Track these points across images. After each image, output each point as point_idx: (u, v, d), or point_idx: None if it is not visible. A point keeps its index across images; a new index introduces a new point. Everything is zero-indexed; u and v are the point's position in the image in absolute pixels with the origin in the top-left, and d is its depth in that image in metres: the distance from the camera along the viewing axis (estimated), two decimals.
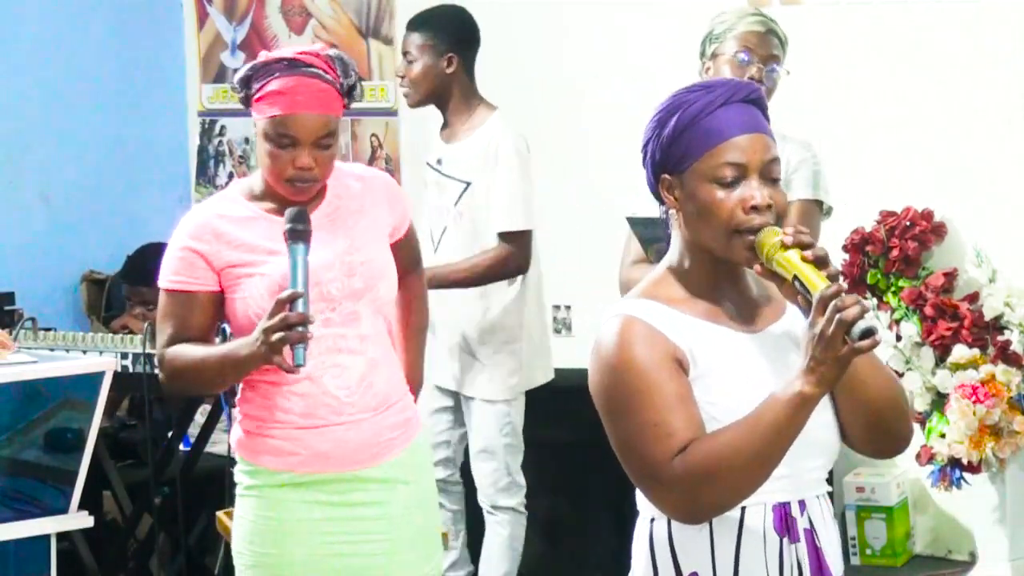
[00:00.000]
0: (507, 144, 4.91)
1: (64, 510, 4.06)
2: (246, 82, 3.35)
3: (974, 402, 4.60)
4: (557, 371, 4.97)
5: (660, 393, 2.34)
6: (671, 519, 2.40)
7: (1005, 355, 4.67)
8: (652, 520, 2.45)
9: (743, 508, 2.38)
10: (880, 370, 2.43)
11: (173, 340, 3.34)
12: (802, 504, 2.43)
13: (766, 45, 4.09)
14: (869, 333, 2.24)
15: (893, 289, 4.85)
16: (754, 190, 2.38)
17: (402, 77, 5.06)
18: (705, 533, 2.40)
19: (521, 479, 4.87)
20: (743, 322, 2.44)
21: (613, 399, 2.39)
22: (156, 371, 3.48)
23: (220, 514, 4.04)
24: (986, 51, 4.85)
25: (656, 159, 2.45)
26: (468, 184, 4.92)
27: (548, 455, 5.02)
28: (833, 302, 2.25)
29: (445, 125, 5.05)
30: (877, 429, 2.44)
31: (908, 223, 4.86)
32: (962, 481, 4.70)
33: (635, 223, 3.94)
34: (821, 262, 2.32)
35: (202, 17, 6.79)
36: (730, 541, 2.39)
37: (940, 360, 4.72)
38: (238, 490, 3.41)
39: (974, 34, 4.87)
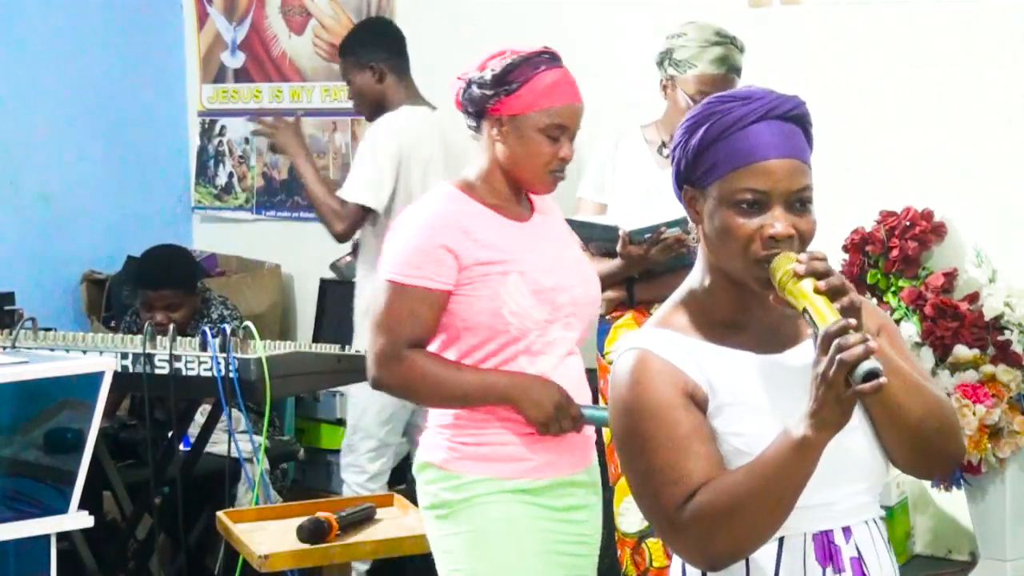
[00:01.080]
0: (375, 128, 5.39)
1: (64, 510, 4.06)
2: (502, 78, 3.37)
3: (974, 402, 4.59)
4: None
5: (670, 435, 2.25)
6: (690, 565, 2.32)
7: (1005, 355, 4.67)
8: (684, 563, 2.36)
9: (781, 539, 2.29)
10: (918, 392, 2.31)
11: (414, 341, 3.31)
12: (847, 531, 2.33)
13: (723, 85, 4.15)
14: (873, 375, 2.11)
15: (893, 289, 4.85)
16: (775, 219, 2.26)
17: (352, 101, 5.57)
18: (741, 566, 2.30)
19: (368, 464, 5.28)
20: (767, 344, 2.33)
21: (626, 441, 2.31)
22: (371, 367, 3.44)
23: (220, 514, 4.04)
24: (986, 51, 4.85)
25: (680, 168, 2.36)
26: None
27: None
28: (836, 341, 2.12)
29: (369, 118, 5.50)
30: (922, 452, 2.34)
31: (908, 223, 4.86)
32: (962, 481, 4.70)
33: (572, 224, 3.99)
34: (836, 292, 2.20)
35: (202, 17, 6.80)
36: (768, 573, 2.30)
37: (940, 360, 4.72)
38: (440, 508, 3.35)
39: (974, 34, 4.87)
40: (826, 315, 2.17)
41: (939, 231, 4.91)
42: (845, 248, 4.89)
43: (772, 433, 2.21)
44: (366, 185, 5.30)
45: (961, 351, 4.67)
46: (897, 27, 5.03)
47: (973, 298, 4.76)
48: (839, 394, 2.13)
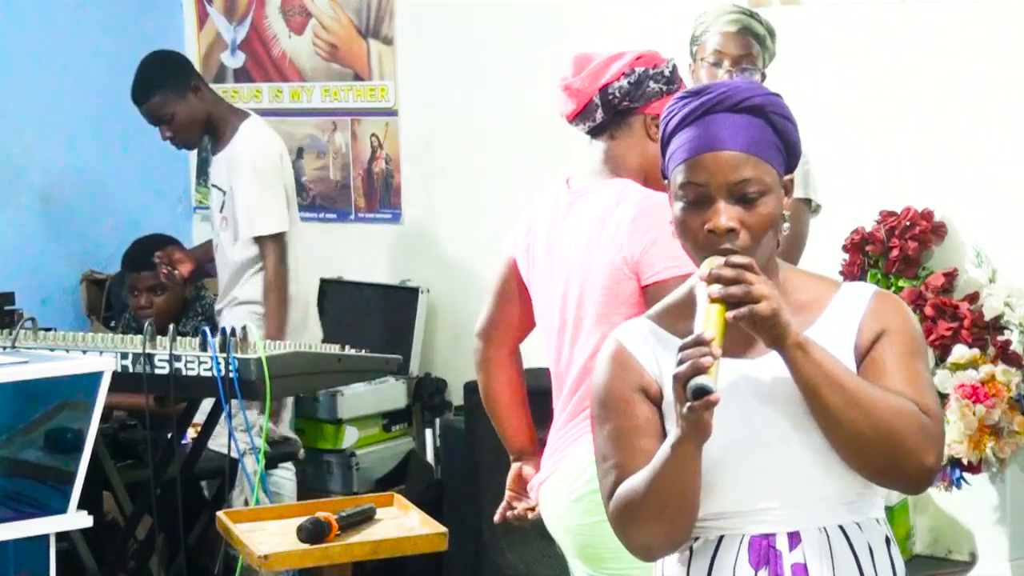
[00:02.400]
0: (246, 155, 5.37)
1: (63, 510, 4.05)
2: (673, 78, 3.43)
3: (974, 402, 4.59)
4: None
5: (616, 427, 2.32)
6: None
7: (1005, 355, 4.67)
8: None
9: (720, 536, 2.32)
10: (858, 404, 2.23)
11: None
12: (794, 536, 2.30)
13: (737, 45, 4.08)
14: (701, 392, 2.11)
15: (893, 289, 4.85)
16: (715, 213, 2.25)
17: (171, 138, 5.49)
18: (685, 558, 2.35)
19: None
20: (741, 347, 2.30)
21: (592, 426, 2.41)
22: None
23: (220, 514, 4.04)
24: (986, 51, 4.85)
25: (661, 163, 2.39)
26: (224, 192, 5.42)
27: None
28: (680, 354, 2.15)
29: (215, 140, 5.49)
30: (865, 464, 2.27)
31: (908, 223, 4.86)
32: (962, 481, 4.70)
33: None
34: (734, 302, 2.18)
35: (202, 17, 6.80)
36: (702, 570, 2.33)
37: (940, 360, 4.72)
38: None
39: (974, 34, 4.86)
40: (697, 326, 2.18)
41: (939, 231, 4.91)
42: (845, 248, 4.89)
43: (717, 436, 2.20)
44: (271, 214, 5.36)
45: (961, 351, 4.67)
46: (897, 27, 5.03)
47: (973, 298, 4.76)
48: (681, 408, 2.16)
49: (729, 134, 2.28)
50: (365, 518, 3.94)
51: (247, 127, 5.45)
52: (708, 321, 2.18)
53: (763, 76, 4.17)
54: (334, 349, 4.74)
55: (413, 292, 6.13)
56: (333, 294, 6.37)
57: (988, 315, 4.72)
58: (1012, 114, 4.81)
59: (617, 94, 3.37)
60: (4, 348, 4.53)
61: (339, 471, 5.96)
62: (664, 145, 2.34)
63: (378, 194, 6.40)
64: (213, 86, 6.77)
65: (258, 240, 5.38)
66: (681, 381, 2.14)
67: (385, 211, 6.40)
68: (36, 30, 6.34)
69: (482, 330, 3.61)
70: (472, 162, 6.09)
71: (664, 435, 2.30)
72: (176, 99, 5.42)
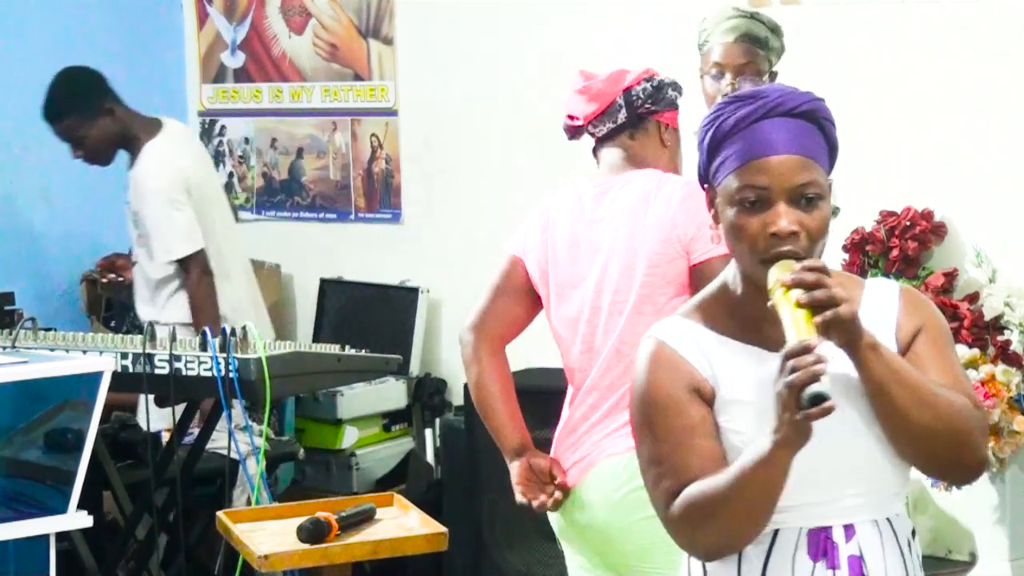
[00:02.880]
0: (150, 178, 5.36)
1: (63, 510, 4.05)
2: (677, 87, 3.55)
3: None
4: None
5: (672, 428, 2.31)
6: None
7: (1005, 355, 4.67)
8: (689, 561, 2.44)
9: (775, 531, 2.32)
10: (923, 403, 2.28)
11: None
12: (849, 529, 2.34)
13: (737, 54, 4.08)
14: (818, 399, 2.13)
15: None
16: (778, 216, 2.27)
17: (81, 156, 5.44)
18: (735, 556, 2.35)
19: None
20: (783, 344, 2.28)
21: (636, 426, 2.38)
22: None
23: (220, 514, 4.03)
24: (986, 51, 4.85)
25: (699, 168, 2.39)
26: (136, 211, 5.44)
27: None
28: (790, 362, 2.15)
29: (131, 157, 5.47)
30: (933, 460, 2.35)
31: (908, 223, 4.86)
32: None
33: None
34: (820, 305, 2.19)
35: (202, 17, 6.79)
36: (757, 565, 2.34)
37: None
38: None
39: (974, 34, 4.87)
40: (791, 333, 2.18)
41: (939, 231, 4.91)
42: (845, 248, 4.89)
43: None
44: (183, 236, 5.33)
45: (961, 351, 4.67)
46: (897, 27, 5.03)
47: (973, 298, 4.76)
48: (792, 415, 2.16)
49: (789, 138, 2.30)
50: (365, 518, 3.94)
51: (149, 148, 5.41)
52: (799, 327, 2.19)
53: (773, 75, 4.16)
54: (334, 349, 4.73)
55: (413, 292, 6.13)
56: (333, 294, 6.38)
57: (988, 315, 4.72)
58: (1012, 114, 4.81)
59: (641, 96, 3.48)
60: (4, 348, 4.53)
61: (339, 471, 5.96)
62: (712, 151, 2.34)
63: (378, 194, 6.40)
64: (213, 86, 6.80)
65: (176, 262, 5.36)
66: (797, 389, 2.13)
67: (385, 211, 6.40)
68: (36, 30, 6.34)
69: (475, 324, 3.65)
70: (472, 162, 6.09)
71: (718, 433, 2.32)
72: (87, 122, 5.38)
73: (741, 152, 2.29)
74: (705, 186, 2.38)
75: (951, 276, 4.83)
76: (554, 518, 3.53)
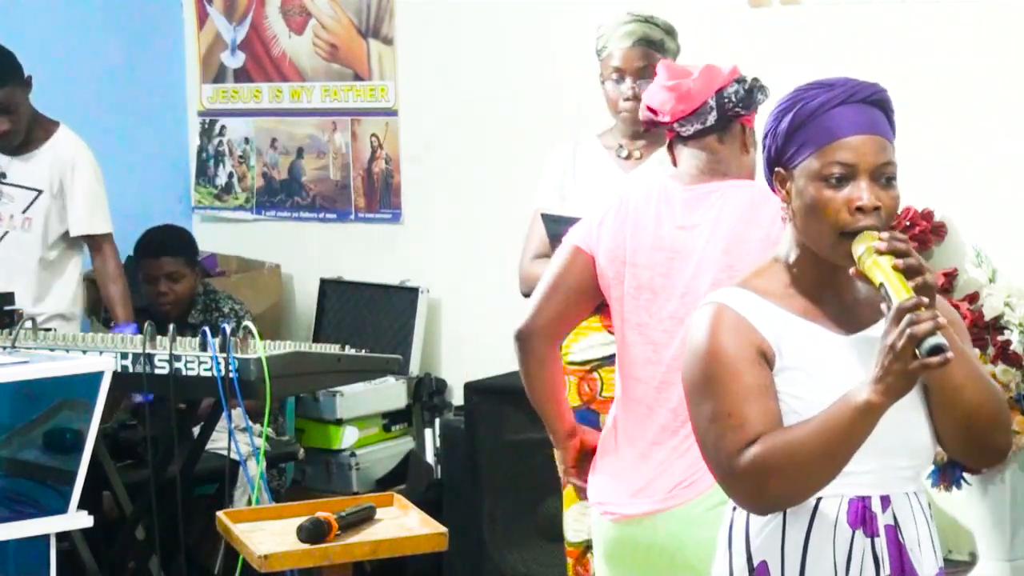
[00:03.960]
0: (81, 153, 5.44)
1: (63, 510, 4.05)
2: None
3: None
4: None
5: (738, 383, 2.38)
6: (741, 508, 2.45)
7: (1005, 355, 4.67)
8: (734, 509, 2.51)
9: (818, 499, 2.41)
10: (978, 379, 2.42)
11: None
12: (885, 500, 2.45)
13: (635, 57, 4.12)
14: (939, 350, 2.24)
15: None
16: (862, 191, 2.41)
17: (5, 132, 5.35)
18: (778, 522, 2.44)
19: None
20: (841, 323, 2.46)
21: (695, 385, 2.44)
22: None
23: (220, 514, 4.04)
24: (986, 51, 4.85)
25: (771, 153, 2.50)
26: (39, 192, 5.38)
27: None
28: (908, 315, 2.26)
29: (18, 143, 5.41)
30: (970, 438, 2.45)
31: (908, 223, 4.86)
32: (962, 481, 4.70)
33: (547, 219, 4.01)
34: (913, 271, 2.32)
35: (202, 17, 6.79)
36: (800, 531, 2.43)
37: None
38: None
39: (974, 34, 4.87)
40: (900, 291, 2.29)
41: (939, 231, 4.91)
42: None
43: (828, 402, 2.33)
44: (106, 214, 5.48)
45: None
46: (897, 27, 5.03)
47: (973, 298, 4.76)
48: (906, 364, 2.26)
49: (869, 121, 2.51)
50: (365, 518, 3.94)
51: (67, 131, 5.49)
52: (901, 286, 2.30)
53: None
54: (334, 349, 4.73)
55: (413, 292, 6.13)
56: (333, 294, 6.38)
57: (988, 315, 4.72)
58: (1012, 114, 4.81)
59: (733, 98, 3.41)
60: (4, 348, 4.53)
61: (339, 471, 5.96)
62: (790, 134, 2.47)
63: (378, 194, 6.40)
64: (213, 86, 6.81)
65: (93, 238, 5.44)
66: (918, 339, 2.24)
67: (385, 211, 6.40)
68: (36, 30, 6.34)
69: (536, 326, 3.45)
70: (472, 162, 6.09)
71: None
72: (21, 93, 5.38)
73: (826, 132, 2.45)
74: (777, 169, 2.48)
75: (951, 276, 4.83)
76: (605, 548, 3.36)
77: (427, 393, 6.11)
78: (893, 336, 2.26)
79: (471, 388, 5.30)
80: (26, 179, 5.43)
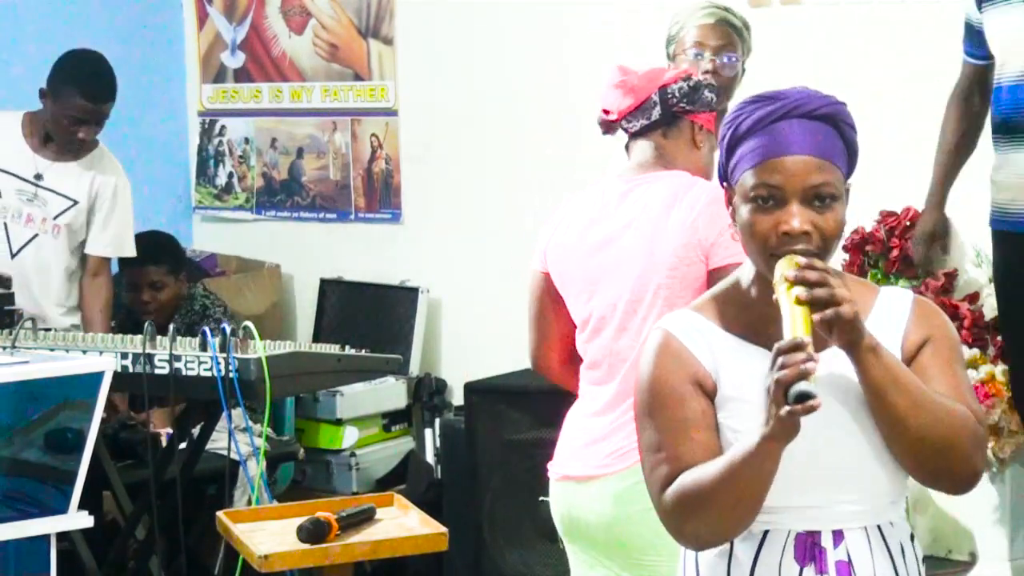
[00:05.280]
0: (123, 178, 5.45)
1: (64, 510, 4.05)
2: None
3: None
4: None
5: (671, 417, 2.34)
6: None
7: (1005, 355, 4.67)
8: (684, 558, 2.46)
9: (765, 532, 2.35)
10: (925, 409, 2.29)
11: None
12: (838, 535, 2.35)
13: (717, 35, 4.12)
14: (804, 398, 2.14)
15: None
16: (791, 215, 2.30)
17: (84, 139, 5.34)
18: (725, 552, 2.38)
19: None
20: None
21: (637, 414, 2.41)
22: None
23: (220, 514, 4.04)
24: None
25: (719, 166, 2.42)
26: (75, 202, 5.35)
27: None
28: (780, 359, 2.17)
29: (48, 143, 5.38)
30: (924, 467, 2.34)
31: (908, 223, 4.86)
32: None
33: None
34: (820, 304, 2.22)
35: (202, 17, 6.80)
36: (745, 564, 2.36)
37: None
38: None
39: None
40: (788, 329, 2.20)
41: None
42: (845, 248, 4.89)
43: None
44: (131, 237, 5.49)
45: None
46: (897, 27, 5.03)
47: (973, 298, 4.76)
48: (777, 411, 2.18)
49: (805, 139, 2.32)
50: (365, 518, 3.94)
51: (106, 150, 5.49)
52: (796, 324, 2.20)
53: (743, 70, 4.18)
54: (334, 349, 4.73)
55: (413, 292, 6.13)
56: (333, 294, 6.38)
57: (988, 315, 4.72)
58: None
59: (676, 94, 3.47)
60: (4, 348, 4.53)
61: (339, 471, 5.96)
62: (730, 149, 2.37)
63: (378, 194, 6.40)
64: (213, 86, 6.80)
65: (99, 260, 5.41)
66: (784, 386, 2.16)
67: (385, 211, 6.40)
68: (35, 30, 6.34)
69: (535, 359, 3.63)
70: (472, 162, 6.09)
71: (717, 428, 2.34)
72: (109, 109, 5.40)
73: (757, 151, 2.32)
74: (724, 184, 2.41)
75: (951, 276, 4.83)
76: (558, 517, 3.52)
77: (427, 393, 6.11)
78: (768, 380, 2.18)
79: (471, 388, 5.30)
80: (63, 187, 5.37)
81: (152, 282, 5.59)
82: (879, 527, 2.38)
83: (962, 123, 4.62)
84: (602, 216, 3.46)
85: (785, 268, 2.25)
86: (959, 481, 2.38)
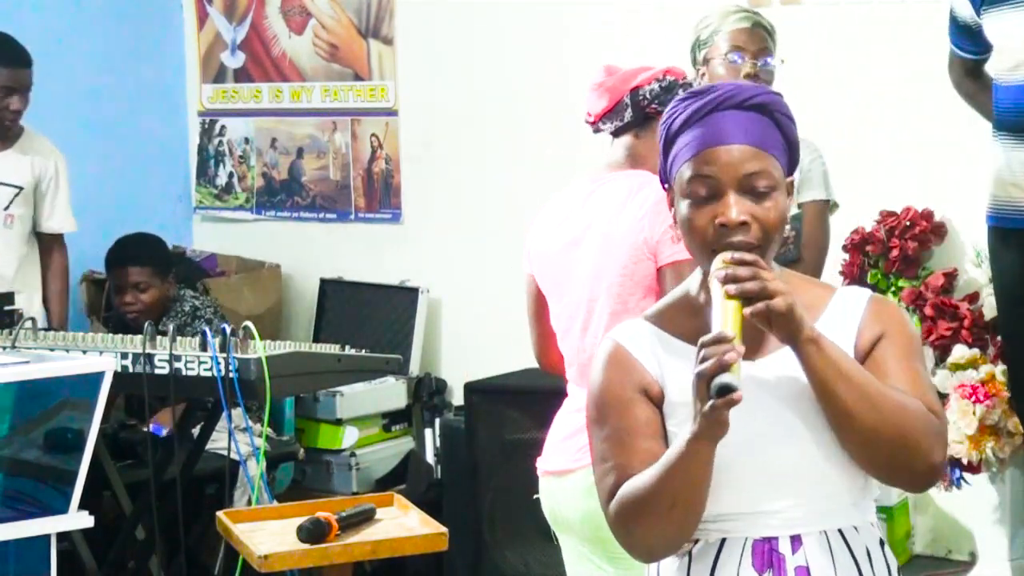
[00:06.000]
0: (59, 155, 5.57)
1: (64, 510, 4.05)
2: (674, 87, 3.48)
3: (974, 402, 4.59)
4: None
5: (615, 425, 2.30)
6: None
7: (1003, 354, 4.67)
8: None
9: (722, 540, 2.30)
10: (876, 403, 2.22)
11: None
12: (796, 540, 2.30)
13: (755, 40, 4.11)
14: (725, 390, 2.09)
15: (893, 289, 4.85)
16: (727, 206, 2.24)
17: (16, 111, 5.45)
18: (684, 563, 2.34)
19: None
20: (748, 349, 2.23)
21: (588, 424, 2.38)
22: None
23: (220, 514, 4.04)
24: None
25: (660, 170, 2.38)
26: (20, 189, 5.47)
27: None
28: (703, 351, 2.13)
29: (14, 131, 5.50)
30: (883, 465, 2.27)
31: (908, 223, 4.86)
32: (962, 481, 4.70)
33: None
34: (751, 297, 2.17)
35: (202, 17, 6.79)
36: (704, 573, 2.32)
37: (940, 360, 4.72)
38: None
39: None
40: (718, 324, 2.16)
41: (939, 231, 4.91)
42: (845, 248, 4.89)
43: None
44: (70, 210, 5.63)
45: (961, 351, 4.68)
46: (897, 27, 5.03)
47: (973, 298, 4.76)
48: (702, 403, 2.13)
49: (738, 129, 2.27)
50: (365, 518, 3.94)
51: (35, 132, 5.55)
52: (727, 318, 2.16)
53: (781, 63, 4.18)
54: (334, 349, 4.74)
55: (413, 292, 6.13)
56: (333, 294, 6.38)
57: (988, 315, 4.72)
58: None
59: (647, 96, 3.48)
60: (4, 348, 4.53)
61: (339, 471, 5.96)
62: (667, 146, 2.33)
63: (378, 194, 6.40)
64: (213, 86, 6.80)
65: (54, 236, 5.59)
66: (705, 379, 2.11)
67: (385, 211, 6.40)
68: (35, 30, 6.33)
69: (539, 357, 3.70)
70: (472, 162, 6.09)
71: (665, 436, 2.31)
72: (30, 76, 5.46)
73: (692, 144, 2.28)
74: (666, 186, 2.37)
75: (951, 276, 4.83)
76: (546, 511, 3.54)
77: (427, 393, 6.11)
78: (692, 375, 2.14)
79: (471, 388, 5.30)
80: (5, 175, 5.46)
81: (135, 283, 5.59)
82: (840, 531, 2.33)
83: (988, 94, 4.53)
84: (570, 217, 3.51)
85: (718, 265, 2.21)
86: (917, 476, 2.30)
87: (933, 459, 2.28)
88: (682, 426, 2.24)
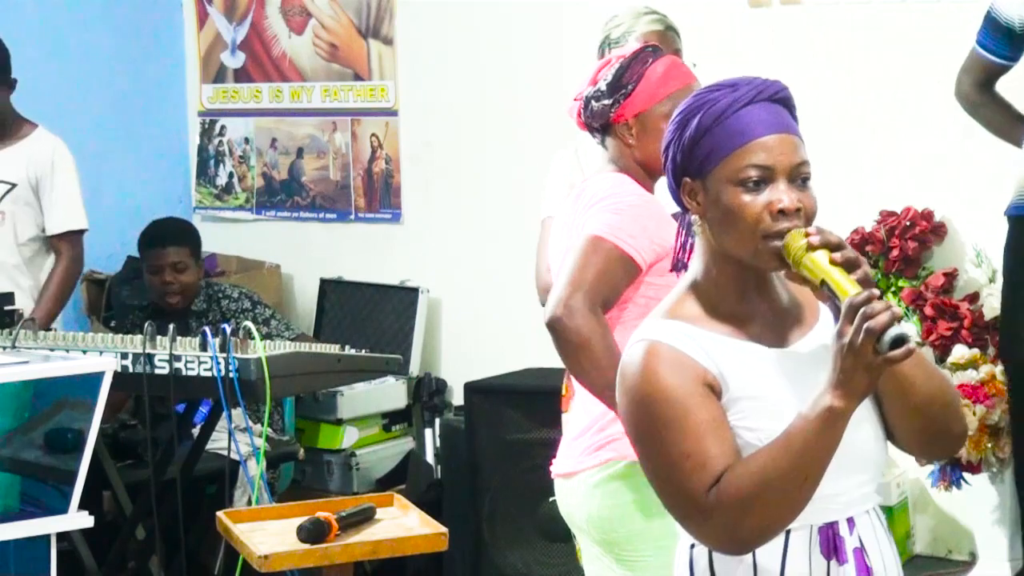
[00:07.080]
0: (60, 147, 5.46)
1: (64, 510, 4.05)
2: (616, 83, 3.41)
3: (974, 402, 4.60)
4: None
5: (692, 422, 2.23)
6: (714, 551, 2.31)
7: (1002, 348, 4.67)
8: (692, 547, 2.35)
9: (788, 532, 2.28)
10: (927, 369, 2.31)
11: (605, 302, 3.37)
12: (851, 522, 2.33)
13: (667, 43, 4.09)
14: (901, 341, 2.11)
15: (893, 289, 4.85)
16: (782, 193, 2.26)
17: None
18: (749, 561, 2.30)
19: None
20: (773, 338, 2.32)
21: (643, 432, 2.29)
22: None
23: (220, 514, 4.04)
24: None
25: (677, 162, 2.34)
26: (13, 185, 5.38)
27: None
28: (862, 310, 2.12)
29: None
30: (930, 431, 2.33)
31: (908, 223, 4.86)
32: (962, 481, 4.70)
33: None
34: (850, 264, 2.20)
35: (202, 17, 6.80)
36: (774, 567, 2.30)
37: (940, 360, 4.72)
38: None
39: (974, 34, 4.87)
40: (846, 286, 2.17)
41: (939, 231, 4.91)
42: None
43: (782, 427, 2.21)
44: (83, 211, 5.50)
45: (961, 351, 4.68)
46: (897, 27, 5.03)
47: (973, 298, 4.77)
48: (868, 362, 2.13)
49: (780, 120, 2.31)
50: (365, 518, 3.94)
51: (45, 132, 5.49)
52: (845, 282, 2.18)
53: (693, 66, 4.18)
54: (334, 349, 4.74)
55: (413, 292, 6.13)
56: (333, 294, 6.38)
57: (988, 315, 4.73)
58: None
59: (593, 110, 3.45)
60: (4, 348, 4.53)
61: (339, 471, 5.96)
62: (698, 139, 2.32)
63: (378, 194, 6.40)
64: (213, 86, 6.80)
65: (64, 235, 5.44)
66: (876, 333, 2.11)
67: (385, 211, 6.40)
68: (35, 30, 6.34)
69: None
70: (472, 162, 6.09)
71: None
72: (5, 92, 5.42)
73: (738, 134, 2.29)
74: (684, 180, 2.35)
75: (951, 276, 4.83)
76: (563, 513, 3.53)
77: (427, 393, 6.11)
78: (850, 334, 2.12)
79: (471, 388, 5.30)
80: (2, 173, 5.42)
81: (174, 263, 5.59)
82: (874, 509, 2.39)
83: (998, 107, 4.53)
84: (564, 224, 3.51)
85: (798, 240, 2.23)
86: (956, 440, 2.39)
87: (964, 422, 2.41)
88: (749, 419, 2.26)
